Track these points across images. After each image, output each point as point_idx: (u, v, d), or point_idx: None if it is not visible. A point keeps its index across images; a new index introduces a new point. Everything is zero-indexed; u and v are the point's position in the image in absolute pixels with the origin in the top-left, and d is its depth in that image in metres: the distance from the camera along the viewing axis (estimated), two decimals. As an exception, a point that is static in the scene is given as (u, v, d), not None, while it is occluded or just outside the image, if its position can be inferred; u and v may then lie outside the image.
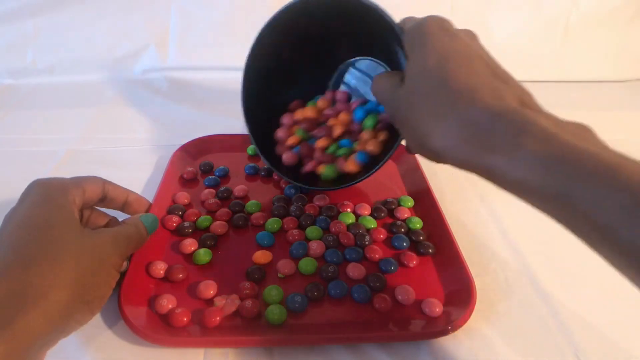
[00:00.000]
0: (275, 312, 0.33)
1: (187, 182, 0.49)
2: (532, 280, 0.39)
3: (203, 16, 0.73)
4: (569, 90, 0.76)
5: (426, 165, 0.51)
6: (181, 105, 0.65)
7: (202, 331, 0.32)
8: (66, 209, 0.31)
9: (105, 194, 0.36)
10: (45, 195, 0.31)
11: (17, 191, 0.33)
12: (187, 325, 0.33)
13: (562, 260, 0.40)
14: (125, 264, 0.35)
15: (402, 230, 0.42)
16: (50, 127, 0.59)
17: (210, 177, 0.49)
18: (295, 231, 0.41)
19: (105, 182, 0.36)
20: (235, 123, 0.61)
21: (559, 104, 0.71)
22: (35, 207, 0.30)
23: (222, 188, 0.47)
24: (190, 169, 0.49)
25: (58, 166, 0.51)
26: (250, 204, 0.45)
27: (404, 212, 0.45)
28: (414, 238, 0.41)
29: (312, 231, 0.41)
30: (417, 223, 0.43)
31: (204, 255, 0.38)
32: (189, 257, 0.39)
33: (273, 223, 0.42)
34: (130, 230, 0.34)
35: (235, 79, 0.73)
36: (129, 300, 0.33)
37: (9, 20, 0.69)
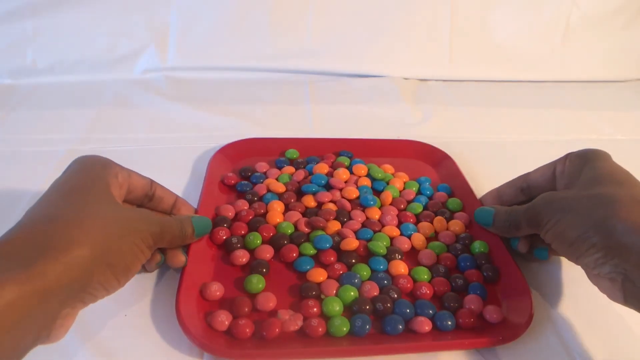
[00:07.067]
0: (336, 325, 0.33)
1: (228, 189, 0.48)
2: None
3: (203, 16, 0.72)
4: (569, 90, 0.76)
5: (467, 170, 0.51)
6: (181, 106, 0.65)
7: (260, 343, 0.32)
8: (103, 181, 0.32)
9: (154, 192, 0.37)
10: (86, 166, 0.32)
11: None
12: (249, 338, 0.33)
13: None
14: (160, 257, 0.35)
15: (461, 251, 0.41)
16: (50, 127, 0.59)
17: (243, 182, 0.48)
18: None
19: (153, 180, 0.37)
20: (235, 123, 0.61)
21: (559, 104, 0.72)
22: (74, 175, 0.32)
23: (255, 199, 0.46)
24: (230, 174, 0.49)
25: (58, 166, 0.50)
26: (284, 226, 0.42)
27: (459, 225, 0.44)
28: (477, 262, 0.40)
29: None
30: (481, 247, 0.41)
31: (257, 283, 0.36)
32: (239, 271, 0.38)
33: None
34: (171, 224, 0.34)
35: (235, 79, 0.74)
36: (188, 313, 0.33)
37: (9, 20, 0.69)
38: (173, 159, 0.53)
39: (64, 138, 0.56)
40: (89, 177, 0.32)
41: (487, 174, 0.48)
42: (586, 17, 0.77)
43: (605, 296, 0.32)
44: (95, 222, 0.28)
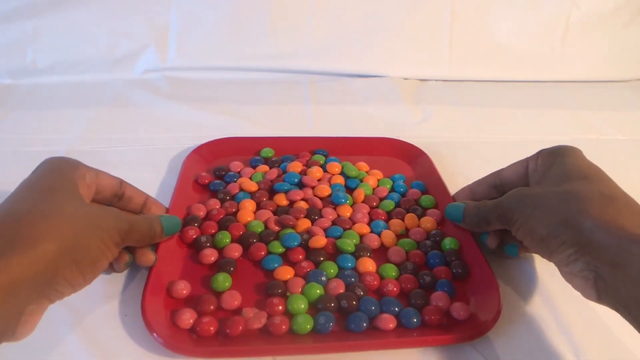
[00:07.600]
0: (300, 322, 0.33)
1: (202, 189, 0.48)
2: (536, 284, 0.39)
3: (203, 16, 0.73)
4: (569, 90, 0.76)
5: (443, 168, 0.50)
6: (181, 106, 0.65)
7: (224, 341, 0.32)
8: (71, 181, 0.32)
9: (123, 192, 0.37)
10: (54, 167, 0.33)
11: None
12: (214, 336, 0.32)
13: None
14: (128, 257, 0.35)
15: (431, 248, 0.40)
16: (50, 127, 0.59)
17: (216, 182, 0.48)
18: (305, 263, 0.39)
19: (123, 180, 0.38)
20: (235, 123, 0.61)
21: (559, 104, 0.72)
22: (42, 175, 0.32)
23: (227, 198, 0.45)
24: (204, 174, 0.49)
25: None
26: (255, 225, 0.42)
27: (430, 222, 0.43)
28: (447, 259, 0.39)
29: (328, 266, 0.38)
30: (451, 244, 0.40)
31: (223, 281, 0.36)
32: (208, 268, 0.38)
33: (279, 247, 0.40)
34: (140, 222, 0.34)
35: (235, 79, 0.74)
36: (153, 311, 0.33)
37: (9, 20, 0.69)
38: (173, 159, 0.53)
39: (64, 138, 0.56)
40: (57, 177, 0.32)
41: (485, 174, 0.48)
42: (586, 17, 0.77)
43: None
44: (62, 218, 0.28)
